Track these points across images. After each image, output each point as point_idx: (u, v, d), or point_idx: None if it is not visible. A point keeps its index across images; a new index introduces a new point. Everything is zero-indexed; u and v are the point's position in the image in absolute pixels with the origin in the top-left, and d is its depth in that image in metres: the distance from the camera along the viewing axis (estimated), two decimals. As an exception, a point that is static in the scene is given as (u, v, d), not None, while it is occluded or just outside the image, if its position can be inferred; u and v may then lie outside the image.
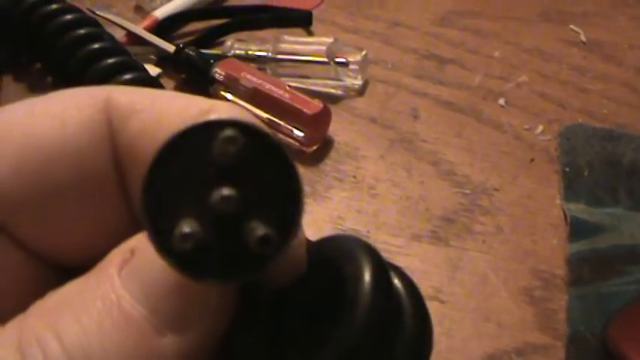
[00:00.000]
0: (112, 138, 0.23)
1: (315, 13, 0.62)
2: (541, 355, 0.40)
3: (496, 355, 0.40)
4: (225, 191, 0.18)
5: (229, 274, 0.18)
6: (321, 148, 0.50)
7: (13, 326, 0.21)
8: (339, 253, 0.23)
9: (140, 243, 0.21)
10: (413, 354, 0.23)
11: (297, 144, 0.49)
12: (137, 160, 0.23)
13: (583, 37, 0.61)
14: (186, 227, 0.17)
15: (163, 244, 0.18)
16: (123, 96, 0.23)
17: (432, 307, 0.38)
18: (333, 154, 0.50)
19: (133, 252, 0.21)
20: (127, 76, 0.47)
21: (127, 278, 0.21)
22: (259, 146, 0.18)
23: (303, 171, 0.48)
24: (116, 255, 0.22)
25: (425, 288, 0.43)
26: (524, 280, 0.44)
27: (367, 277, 0.22)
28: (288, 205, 0.18)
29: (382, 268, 0.22)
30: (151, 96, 0.24)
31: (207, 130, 0.18)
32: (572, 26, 0.62)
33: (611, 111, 0.54)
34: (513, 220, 0.47)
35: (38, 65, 0.56)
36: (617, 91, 0.56)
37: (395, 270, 0.24)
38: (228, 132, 0.18)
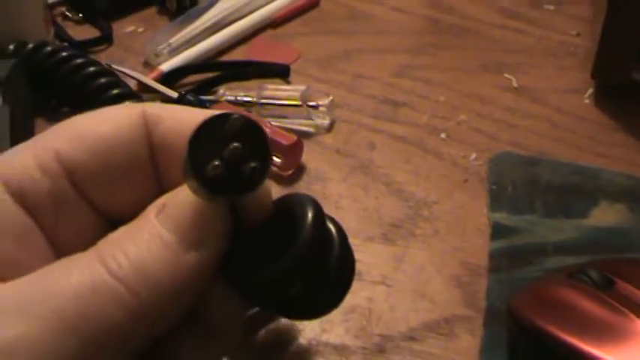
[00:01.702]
0: (147, 136, 0.36)
1: (292, 66, 0.73)
2: (465, 322, 0.51)
3: (430, 324, 0.51)
4: (234, 145, 0.31)
5: (237, 191, 0.32)
6: (296, 173, 0.62)
7: (92, 250, 0.32)
8: (293, 202, 0.35)
9: (168, 198, 0.34)
10: (340, 268, 0.36)
11: (276, 168, 0.61)
12: (165, 150, 0.36)
13: (515, 84, 0.72)
14: (216, 162, 0.31)
15: (201, 174, 0.31)
16: (152, 109, 0.36)
17: (379, 289, 0.51)
18: (305, 177, 0.62)
19: (163, 205, 0.33)
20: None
21: (163, 218, 0.33)
22: (248, 125, 0.32)
23: (280, 190, 0.60)
24: (152, 208, 0.34)
25: (375, 275, 0.54)
26: (454, 270, 0.55)
27: (310, 215, 0.34)
28: (263, 152, 0.32)
29: (320, 211, 0.35)
30: (170, 109, 0.37)
31: (222, 117, 0.32)
32: (506, 75, 0.73)
33: (534, 142, 0.65)
34: (448, 226, 0.58)
35: (66, 109, 0.68)
36: (541, 126, 0.67)
37: (330, 218, 0.36)
38: (235, 116, 0.32)
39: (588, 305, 0.45)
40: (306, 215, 0.34)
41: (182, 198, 0.33)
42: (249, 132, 0.32)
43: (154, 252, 0.32)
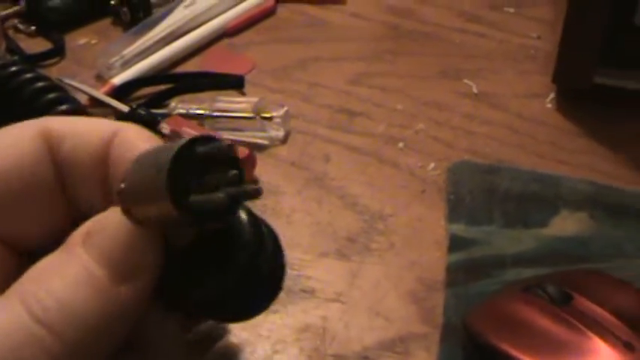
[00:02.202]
0: (50, 155, 0.34)
1: (247, 77, 0.71)
2: (421, 340, 0.50)
3: (385, 342, 0.50)
4: (218, 171, 0.30)
5: (215, 219, 0.31)
6: (249, 188, 0.60)
7: (13, 289, 0.30)
8: None
9: (93, 225, 0.31)
10: (272, 265, 0.35)
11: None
12: (72, 168, 0.34)
13: (475, 90, 0.70)
14: (194, 189, 0.30)
15: (181, 202, 0.29)
16: (56, 124, 0.34)
17: (334, 307, 0.49)
18: (258, 192, 0.60)
19: (88, 233, 0.31)
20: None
21: (90, 249, 0.30)
22: (224, 151, 0.31)
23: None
24: (76, 236, 0.31)
25: (329, 293, 0.52)
26: (410, 285, 0.53)
27: (246, 219, 0.34)
28: (240, 179, 0.31)
29: (252, 213, 0.34)
30: (74, 123, 0.35)
31: (200, 141, 0.30)
32: (465, 80, 0.71)
33: (494, 149, 0.64)
34: (404, 239, 0.56)
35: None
36: (500, 132, 0.66)
37: (265, 224, 0.36)
38: (216, 143, 0.31)
39: (544, 322, 0.44)
40: (242, 221, 0.33)
41: (110, 225, 0.31)
42: (226, 159, 0.31)
43: (81, 289, 0.30)
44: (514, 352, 0.43)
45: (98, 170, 0.34)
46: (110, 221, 0.31)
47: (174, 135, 0.62)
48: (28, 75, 0.64)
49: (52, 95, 0.62)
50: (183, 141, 0.30)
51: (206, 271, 0.33)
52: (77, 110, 0.62)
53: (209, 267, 0.33)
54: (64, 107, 0.61)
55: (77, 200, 0.34)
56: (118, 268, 0.30)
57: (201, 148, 0.30)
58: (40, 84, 0.63)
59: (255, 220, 0.34)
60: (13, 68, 0.64)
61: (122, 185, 0.31)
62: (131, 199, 0.31)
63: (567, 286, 0.46)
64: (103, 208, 0.33)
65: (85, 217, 0.32)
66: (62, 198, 0.34)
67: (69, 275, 0.30)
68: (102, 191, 0.35)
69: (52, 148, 0.34)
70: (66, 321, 0.29)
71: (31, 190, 0.33)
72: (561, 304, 0.45)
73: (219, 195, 0.30)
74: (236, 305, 0.35)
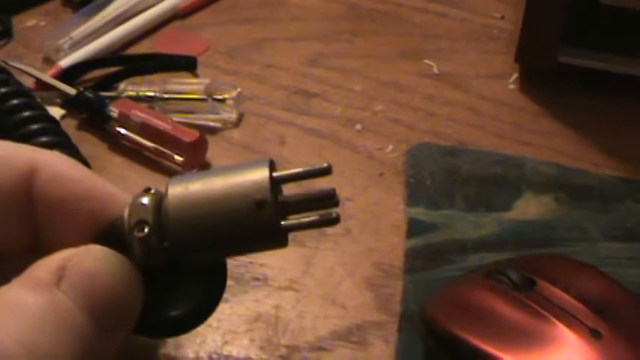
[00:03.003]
0: (28, 185, 0.31)
1: (200, 59, 0.68)
2: (378, 329, 0.48)
3: (340, 332, 0.47)
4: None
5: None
6: (200, 172, 0.58)
7: None
8: None
9: (66, 262, 0.27)
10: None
11: (178, 167, 0.57)
12: (47, 199, 0.31)
13: (436, 70, 0.68)
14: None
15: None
16: (38, 156, 0.32)
17: (287, 295, 0.47)
18: (209, 176, 0.58)
19: (63, 268, 0.27)
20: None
21: (70, 290, 0.26)
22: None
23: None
24: (45, 273, 0.27)
25: (281, 281, 0.50)
26: (367, 272, 0.51)
27: None
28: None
29: None
30: (55, 160, 0.32)
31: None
32: (426, 61, 0.69)
33: (455, 130, 0.62)
34: (361, 224, 0.54)
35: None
36: (462, 114, 0.63)
37: None
38: None
39: (505, 309, 0.42)
40: None
41: (93, 263, 0.28)
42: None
43: (55, 334, 0.25)
44: (474, 341, 0.41)
45: (15, 209, 0.31)
46: (90, 259, 0.28)
47: (123, 118, 0.59)
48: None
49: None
50: (264, 164, 0.31)
51: (184, 293, 0.32)
52: (18, 92, 0.59)
53: (184, 288, 0.32)
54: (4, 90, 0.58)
55: (42, 226, 0.31)
56: (102, 315, 0.27)
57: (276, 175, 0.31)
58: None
59: None
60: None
61: (166, 244, 0.30)
62: (193, 247, 0.29)
63: (530, 271, 0.44)
64: (31, 247, 0.30)
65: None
66: (28, 220, 0.31)
67: (35, 316, 0.25)
68: (25, 229, 0.31)
69: (30, 178, 0.31)
70: None
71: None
72: (524, 290, 0.43)
73: (313, 218, 0.30)
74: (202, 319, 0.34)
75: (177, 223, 0.30)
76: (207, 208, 0.30)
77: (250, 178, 0.29)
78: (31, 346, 0.24)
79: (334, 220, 0.31)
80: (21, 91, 0.59)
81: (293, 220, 0.31)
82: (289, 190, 0.33)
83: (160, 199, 0.30)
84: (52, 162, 0.32)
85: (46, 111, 0.58)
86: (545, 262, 0.46)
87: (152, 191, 0.31)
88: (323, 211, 0.31)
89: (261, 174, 0.30)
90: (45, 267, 0.27)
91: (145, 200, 0.30)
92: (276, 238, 0.31)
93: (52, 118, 0.58)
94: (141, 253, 0.29)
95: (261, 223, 0.29)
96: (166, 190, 0.30)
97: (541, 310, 0.41)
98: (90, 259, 0.28)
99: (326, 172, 0.32)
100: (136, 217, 0.30)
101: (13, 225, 0.31)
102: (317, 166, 0.32)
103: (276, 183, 0.30)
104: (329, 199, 0.31)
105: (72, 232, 0.31)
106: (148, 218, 0.30)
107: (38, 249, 0.31)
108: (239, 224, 0.29)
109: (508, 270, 0.44)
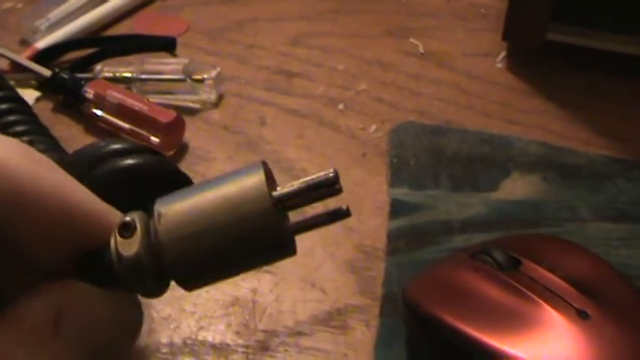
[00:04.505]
0: None
1: (180, 39, 0.67)
2: (359, 313, 0.46)
3: (320, 316, 0.46)
4: None
5: None
6: (178, 153, 0.56)
7: None
8: None
9: (64, 304, 0.26)
10: None
11: (156, 148, 0.55)
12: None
13: (421, 49, 0.66)
14: None
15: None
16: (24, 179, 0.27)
17: (264, 279, 0.45)
18: (187, 157, 0.56)
19: (59, 312, 0.25)
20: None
21: (69, 340, 0.25)
22: None
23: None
24: (43, 321, 0.25)
25: (259, 263, 0.48)
26: (348, 254, 0.49)
27: None
28: None
29: None
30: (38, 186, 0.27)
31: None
32: (412, 39, 0.67)
33: (441, 110, 0.60)
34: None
35: None
36: (448, 93, 0.62)
37: None
38: None
39: (490, 290, 0.40)
40: None
41: (91, 307, 0.26)
42: None
43: None
44: (457, 324, 0.39)
45: None
46: (87, 303, 0.26)
47: (99, 99, 0.57)
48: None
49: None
50: (259, 169, 0.27)
51: None
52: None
53: None
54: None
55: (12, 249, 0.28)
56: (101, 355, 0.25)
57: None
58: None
59: None
60: None
61: (176, 268, 0.27)
62: (192, 271, 0.27)
63: (515, 250, 0.42)
64: None
65: None
66: None
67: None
68: None
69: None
70: None
71: None
72: (508, 269, 0.41)
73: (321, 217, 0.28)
74: None
75: (173, 249, 0.27)
76: (203, 227, 0.27)
77: (246, 186, 0.26)
78: None
79: (344, 214, 0.28)
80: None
81: (299, 221, 0.28)
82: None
83: (147, 223, 0.28)
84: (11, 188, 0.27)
85: (15, 92, 0.56)
86: (532, 242, 0.44)
87: (138, 216, 0.28)
88: (331, 209, 0.29)
89: (256, 181, 0.27)
90: (40, 313, 0.25)
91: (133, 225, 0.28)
92: (285, 247, 0.28)
93: (20, 99, 0.56)
94: (134, 282, 0.27)
95: (266, 234, 0.27)
96: (154, 213, 0.28)
97: (526, 291, 0.39)
98: (89, 305, 0.26)
99: (333, 182, 0.28)
100: (125, 247, 0.27)
101: None
102: (322, 175, 0.28)
103: (278, 200, 0.27)
104: (331, 184, 0.28)
105: (51, 256, 0.27)
106: (137, 246, 0.27)
107: None
108: (240, 238, 0.26)
109: (492, 249, 0.42)
